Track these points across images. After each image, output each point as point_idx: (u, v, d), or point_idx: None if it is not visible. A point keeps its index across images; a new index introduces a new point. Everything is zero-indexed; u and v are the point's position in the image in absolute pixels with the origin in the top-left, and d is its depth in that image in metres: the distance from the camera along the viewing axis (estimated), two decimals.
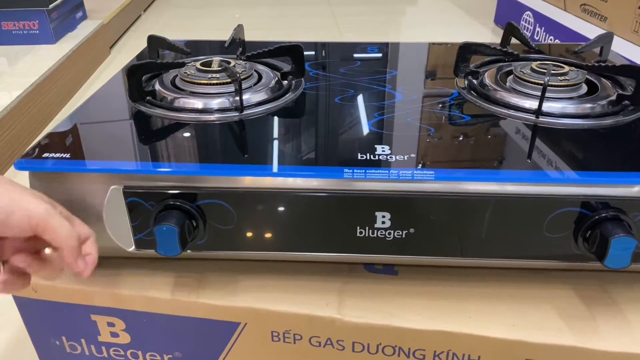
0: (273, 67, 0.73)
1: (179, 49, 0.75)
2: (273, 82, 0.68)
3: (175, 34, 0.79)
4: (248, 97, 0.63)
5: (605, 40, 0.76)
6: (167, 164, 0.52)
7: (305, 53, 0.70)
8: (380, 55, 0.84)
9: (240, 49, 0.77)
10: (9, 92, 1.28)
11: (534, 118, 0.59)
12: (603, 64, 0.68)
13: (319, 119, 0.62)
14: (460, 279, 0.56)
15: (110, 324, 0.59)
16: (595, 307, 0.53)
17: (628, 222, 0.48)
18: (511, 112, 0.61)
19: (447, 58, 0.83)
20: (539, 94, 0.61)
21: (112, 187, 0.51)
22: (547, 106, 0.60)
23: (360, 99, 0.66)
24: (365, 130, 0.58)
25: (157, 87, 0.66)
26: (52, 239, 0.43)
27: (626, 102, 0.61)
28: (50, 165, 0.51)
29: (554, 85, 0.62)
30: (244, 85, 0.64)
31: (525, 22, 2.07)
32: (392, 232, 0.52)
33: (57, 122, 1.08)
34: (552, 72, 0.63)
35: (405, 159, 0.51)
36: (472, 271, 0.57)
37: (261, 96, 0.64)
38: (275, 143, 0.56)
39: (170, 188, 0.51)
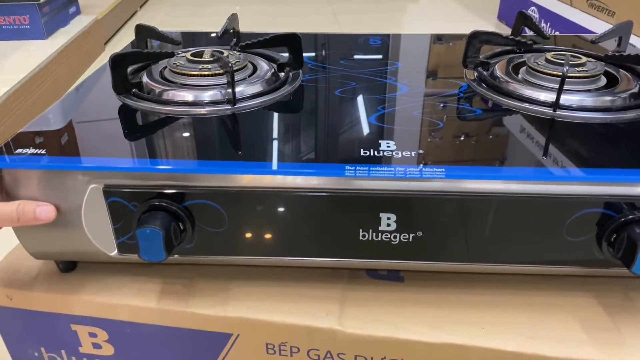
0: (269, 59, 0.69)
1: (170, 39, 0.71)
2: (269, 73, 0.63)
3: (171, 31, 0.75)
4: (241, 89, 0.58)
5: (624, 29, 0.72)
6: (152, 160, 0.48)
7: (303, 44, 0.65)
8: (382, 46, 0.79)
9: (235, 39, 0.73)
10: None
11: (551, 111, 0.55)
12: (624, 54, 0.63)
13: (318, 113, 0.58)
14: (473, 286, 0.52)
15: (92, 335, 0.55)
16: (619, 317, 0.49)
17: None
18: (526, 105, 0.56)
19: (453, 50, 0.79)
20: (556, 86, 0.57)
21: (91, 186, 0.47)
22: (564, 99, 0.55)
23: (362, 91, 0.61)
24: (368, 124, 0.54)
25: (145, 79, 0.62)
26: None
27: None
28: (24, 161, 0.47)
29: (572, 77, 0.58)
30: (237, 77, 0.59)
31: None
32: (397, 235, 0.47)
33: None
34: (570, 62, 0.58)
35: (413, 155, 0.47)
36: (485, 278, 0.52)
37: (256, 88, 0.60)
38: (271, 139, 0.52)
39: (155, 187, 0.46)
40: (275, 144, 0.51)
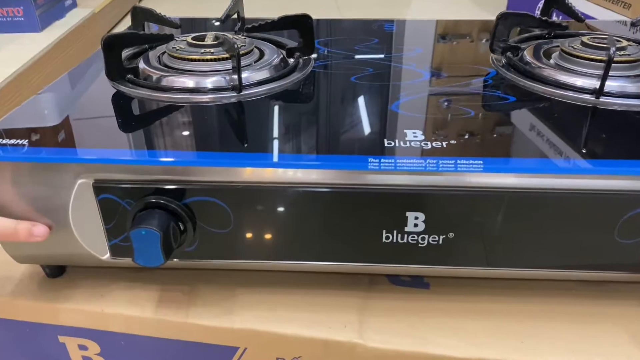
0: (277, 45, 0.63)
1: (169, 22, 0.65)
2: (277, 59, 0.58)
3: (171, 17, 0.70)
4: (247, 75, 0.53)
5: None
6: (149, 152, 0.42)
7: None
8: (398, 32, 0.74)
9: (239, 24, 0.67)
10: None
11: (593, 99, 0.49)
12: None
13: (333, 101, 0.52)
14: (508, 294, 0.46)
15: (82, 347, 0.49)
16: None
17: None
18: (563, 92, 0.51)
19: (475, 35, 0.73)
20: (594, 71, 0.52)
21: (79, 181, 0.41)
22: (606, 85, 0.50)
23: (381, 78, 0.56)
24: (390, 112, 0.48)
25: (141, 65, 0.56)
26: None
27: None
28: (6, 153, 0.41)
29: (614, 62, 0.52)
30: (243, 63, 0.54)
31: (540, 12, 1.97)
32: (426, 237, 0.42)
33: None
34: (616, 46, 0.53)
35: (444, 146, 0.41)
36: (523, 285, 0.47)
37: (263, 75, 0.54)
38: (282, 129, 0.46)
39: (152, 182, 0.41)
40: (286, 134, 0.45)
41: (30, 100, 0.52)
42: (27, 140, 0.43)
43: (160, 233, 0.39)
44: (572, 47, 0.56)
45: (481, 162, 0.39)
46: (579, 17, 0.65)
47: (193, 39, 0.57)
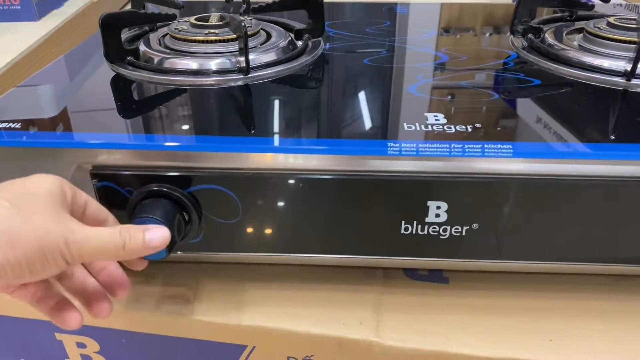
0: (284, 27, 0.60)
1: (171, 2, 0.62)
2: (284, 41, 0.55)
3: None
4: (253, 57, 0.50)
5: None
6: (151, 136, 0.39)
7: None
8: (412, 14, 0.71)
9: (244, 6, 0.64)
10: None
11: (624, 81, 0.46)
12: None
13: (346, 84, 0.49)
14: (535, 289, 0.44)
15: (81, 345, 0.46)
16: None
17: None
18: (591, 74, 0.48)
19: (492, 17, 0.70)
20: (622, 53, 0.49)
21: (76, 167, 0.38)
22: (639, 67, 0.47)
23: (396, 60, 0.53)
24: (409, 95, 0.45)
25: (142, 47, 0.53)
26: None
27: None
28: None
29: None
30: (249, 44, 0.51)
31: None
32: (448, 228, 0.39)
33: None
34: None
35: (469, 129, 0.38)
36: (551, 279, 0.44)
37: (270, 57, 0.52)
38: (292, 112, 0.43)
39: (155, 169, 0.38)
40: (298, 119, 0.43)
41: (24, 83, 0.49)
42: (19, 124, 0.40)
43: (164, 224, 0.36)
44: (598, 28, 0.53)
45: (510, 146, 0.36)
46: None
47: (196, 19, 0.54)
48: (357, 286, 0.44)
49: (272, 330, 0.42)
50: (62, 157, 0.38)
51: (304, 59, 0.53)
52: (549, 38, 0.55)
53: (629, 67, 0.47)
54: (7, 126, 0.39)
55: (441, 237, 0.39)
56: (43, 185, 0.31)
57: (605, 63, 0.49)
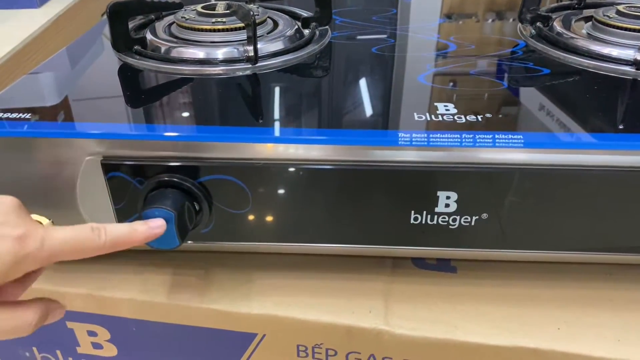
0: (291, 15, 0.60)
1: None
2: (292, 30, 0.54)
3: None
4: (261, 46, 0.50)
5: None
6: (161, 126, 0.39)
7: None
8: (419, 2, 0.70)
9: None
10: None
11: (634, 70, 0.46)
12: None
13: (354, 72, 0.49)
14: (543, 278, 0.44)
15: (92, 333, 0.47)
16: None
17: None
18: (600, 63, 0.48)
19: (500, 5, 0.69)
20: (632, 42, 0.49)
21: (87, 157, 0.38)
22: None
23: (404, 49, 0.53)
24: (418, 84, 0.45)
25: (149, 36, 0.53)
26: None
27: None
28: (4, 128, 0.38)
29: None
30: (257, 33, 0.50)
31: None
32: (457, 218, 0.39)
33: None
34: None
35: (480, 120, 0.38)
36: (559, 268, 0.44)
37: (277, 46, 0.51)
38: (301, 102, 0.43)
39: (165, 159, 0.38)
40: (308, 108, 0.42)
41: (31, 74, 0.49)
42: (29, 114, 0.40)
43: (175, 213, 0.36)
44: (607, 16, 0.52)
45: (521, 137, 0.36)
46: None
47: (203, 7, 0.54)
48: (366, 275, 0.45)
49: (282, 319, 0.42)
50: (73, 148, 0.38)
51: (312, 48, 0.52)
52: (558, 26, 0.55)
53: (638, 55, 0.46)
54: (18, 116, 0.39)
55: (450, 227, 0.39)
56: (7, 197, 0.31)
57: (614, 52, 0.49)
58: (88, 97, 0.45)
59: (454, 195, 0.38)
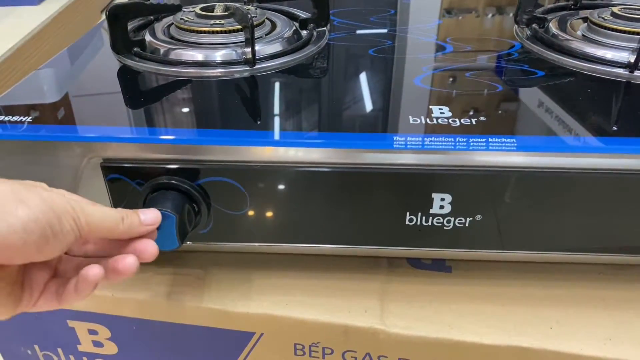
0: (289, 16, 0.60)
1: None
2: (290, 31, 0.55)
3: None
4: (259, 48, 0.50)
5: None
6: (160, 129, 0.40)
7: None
8: (417, 3, 0.70)
9: None
10: None
11: (627, 73, 0.47)
12: None
13: (351, 75, 0.50)
14: (536, 278, 0.45)
15: (93, 332, 0.48)
16: None
17: None
18: (594, 65, 0.48)
19: (497, 6, 0.70)
20: (626, 44, 0.49)
21: (87, 160, 0.39)
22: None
23: (401, 51, 0.53)
24: (414, 87, 0.45)
25: (148, 37, 0.53)
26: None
27: None
28: (5, 131, 0.39)
29: None
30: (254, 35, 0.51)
31: None
32: (452, 219, 0.40)
33: None
34: None
35: (474, 123, 0.39)
36: (552, 268, 0.45)
37: (275, 48, 0.52)
38: (299, 105, 0.44)
39: (164, 162, 0.38)
40: (304, 111, 0.43)
41: (31, 75, 0.49)
42: (29, 117, 0.40)
43: (175, 215, 0.37)
44: (602, 18, 0.53)
45: (514, 140, 0.37)
46: None
47: (202, 9, 0.54)
48: (363, 275, 0.45)
49: (279, 318, 0.43)
50: (73, 151, 0.39)
51: (310, 50, 0.53)
52: (553, 28, 0.55)
53: (632, 58, 0.47)
54: (18, 119, 0.40)
55: (445, 228, 0.40)
56: None
57: (609, 54, 0.49)
58: (89, 100, 0.46)
59: (448, 197, 0.38)
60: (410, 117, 0.40)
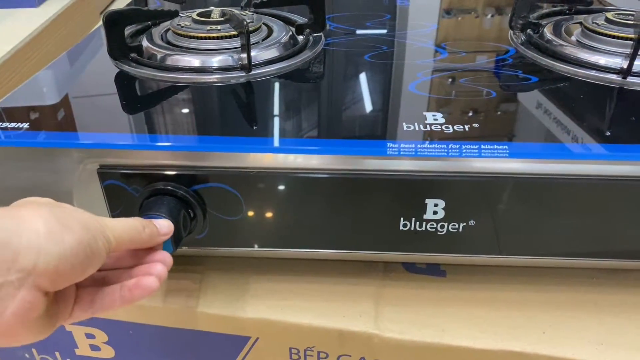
0: (285, 21, 0.60)
1: None
2: (286, 37, 0.55)
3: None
4: (255, 54, 0.50)
5: None
6: (156, 136, 0.40)
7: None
8: (413, 7, 0.71)
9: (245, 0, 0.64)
10: None
11: (620, 79, 0.47)
12: None
13: (346, 81, 0.50)
14: (529, 282, 0.45)
15: (90, 336, 0.48)
16: None
17: None
18: (587, 71, 0.49)
19: (493, 11, 0.70)
20: (620, 50, 0.50)
21: (84, 166, 0.39)
22: (635, 64, 0.47)
23: (396, 56, 0.53)
24: (408, 94, 0.46)
25: (145, 43, 0.54)
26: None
27: None
28: (2, 137, 0.39)
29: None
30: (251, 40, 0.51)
31: None
32: (445, 224, 0.40)
33: None
34: None
35: (467, 130, 0.39)
36: (545, 273, 0.45)
37: (272, 53, 0.52)
38: (294, 111, 0.44)
39: (160, 168, 0.39)
40: (299, 117, 0.43)
41: (29, 81, 0.49)
42: (27, 123, 0.41)
43: (170, 220, 0.37)
44: (596, 23, 0.53)
45: (506, 147, 0.37)
46: None
47: (198, 15, 0.55)
48: (358, 279, 0.46)
49: (274, 322, 0.43)
50: (70, 157, 0.39)
51: (306, 55, 0.53)
52: (548, 33, 0.56)
53: (625, 64, 0.47)
54: (16, 126, 0.40)
55: (438, 233, 0.40)
56: None
57: (602, 60, 0.50)
58: (85, 106, 0.46)
59: (441, 203, 0.39)
60: (404, 123, 0.40)
